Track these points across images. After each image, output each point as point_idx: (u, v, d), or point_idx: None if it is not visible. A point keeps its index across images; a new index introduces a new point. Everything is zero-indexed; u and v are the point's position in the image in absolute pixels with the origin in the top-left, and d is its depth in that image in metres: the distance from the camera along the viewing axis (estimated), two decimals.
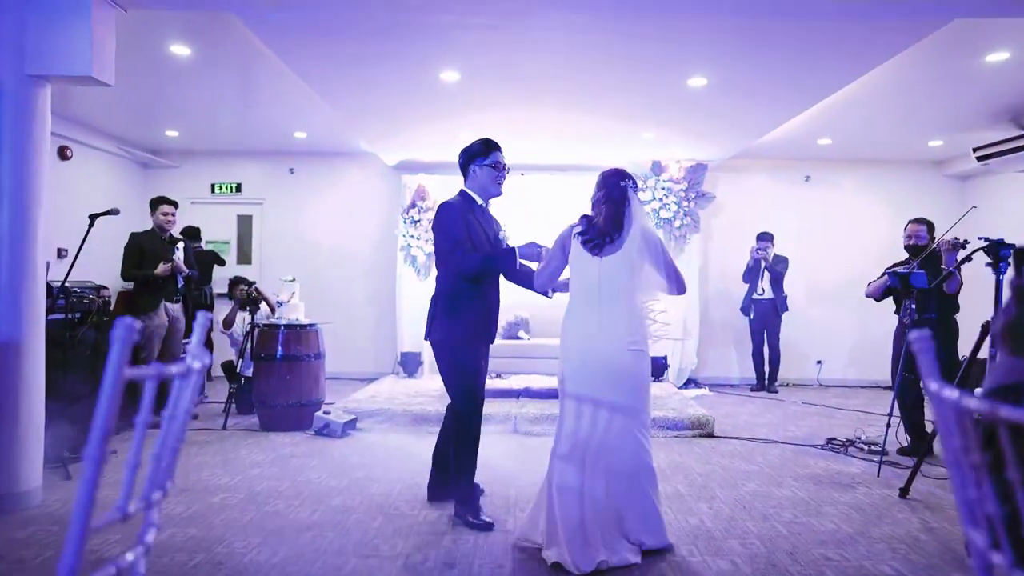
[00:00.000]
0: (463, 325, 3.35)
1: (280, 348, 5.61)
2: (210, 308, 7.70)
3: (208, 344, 7.63)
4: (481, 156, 3.43)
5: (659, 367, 7.80)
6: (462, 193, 3.47)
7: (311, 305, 8.42)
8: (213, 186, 8.81)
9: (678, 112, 5.86)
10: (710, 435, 5.52)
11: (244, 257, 8.93)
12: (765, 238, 7.93)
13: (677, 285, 3.08)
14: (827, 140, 7.51)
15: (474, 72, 5.02)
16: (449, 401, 3.65)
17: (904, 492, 3.91)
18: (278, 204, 8.83)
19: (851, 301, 8.46)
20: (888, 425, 4.54)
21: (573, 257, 3.05)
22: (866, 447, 5.00)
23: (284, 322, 5.72)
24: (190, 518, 3.47)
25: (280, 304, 5.77)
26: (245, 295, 6.16)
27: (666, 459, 4.78)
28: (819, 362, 8.54)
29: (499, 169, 3.43)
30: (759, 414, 6.55)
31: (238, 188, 8.82)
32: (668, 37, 4.34)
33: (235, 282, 6.44)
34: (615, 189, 3.07)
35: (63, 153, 7.22)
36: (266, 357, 5.63)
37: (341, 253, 8.73)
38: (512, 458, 4.70)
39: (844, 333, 8.53)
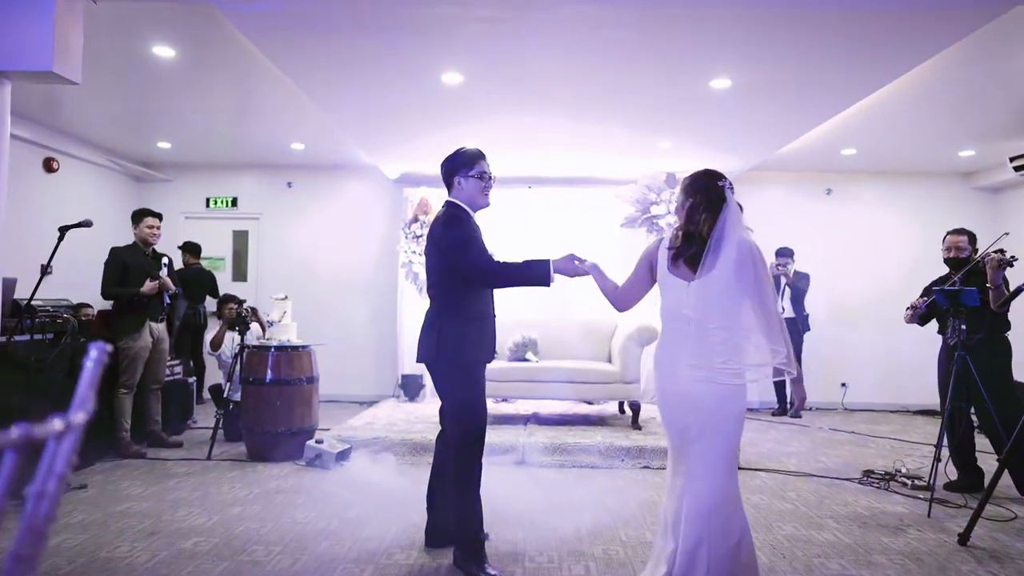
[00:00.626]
0: (468, 341, 3.01)
1: (270, 371, 5.21)
2: (204, 328, 7.35)
3: (198, 365, 7.32)
4: (465, 167, 3.11)
5: None
6: (454, 205, 3.12)
7: (308, 324, 8.04)
8: (208, 200, 8.48)
9: (698, 118, 5.48)
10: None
11: (240, 274, 8.57)
12: (784, 253, 7.51)
13: (767, 329, 2.42)
14: (852, 150, 7.12)
15: (478, 74, 4.66)
16: (440, 430, 3.27)
17: (963, 539, 3.45)
18: (275, 219, 8.48)
19: (877, 320, 8.03)
20: (937, 459, 4.09)
21: (662, 277, 2.58)
22: (909, 481, 4.54)
23: (275, 343, 5.32)
24: (153, 569, 3.05)
25: (271, 324, 5.37)
26: (234, 314, 5.77)
27: None
28: (844, 385, 8.07)
29: (485, 180, 3.12)
30: (785, 442, 6.09)
31: (234, 202, 8.48)
32: (690, 32, 3.97)
33: (224, 300, 6.06)
34: (713, 191, 2.52)
35: (49, 165, 6.90)
36: (255, 381, 5.22)
37: (340, 270, 8.36)
38: (519, 495, 4.27)
39: (870, 354, 8.07)
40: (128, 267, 5.27)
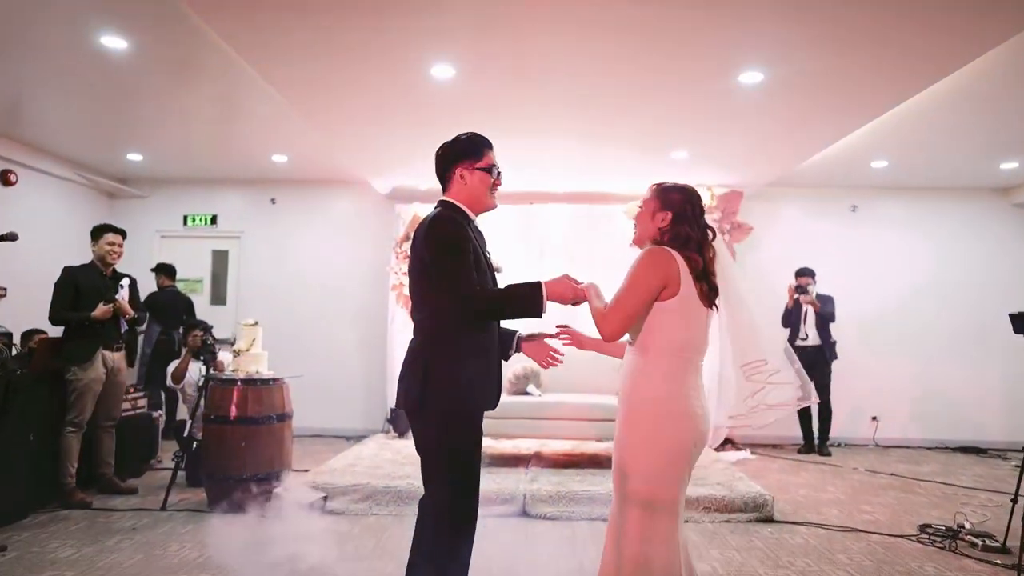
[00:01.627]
0: (465, 384, 2.33)
1: (234, 407, 4.55)
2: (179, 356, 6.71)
3: (170, 398, 6.65)
4: (470, 157, 2.44)
5: None
6: (449, 206, 2.45)
7: (292, 352, 7.37)
8: (186, 218, 7.88)
9: (721, 121, 4.87)
10: (769, 519, 4.40)
11: (218, 297, 7.94)
12: (805, 274, 6.88)
13: None
14: (882, 162, 6.53)
15: (472, 66, 4.07)
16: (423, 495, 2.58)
17: None
18: (258, 238, 7.88)
19: (909, 349, 7.39)
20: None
21: (686, 301, 2.20)
22: (979, 540, 3.86)
23: (242, 376, 4.68)
24: None
25: (237, 353, 4.73)
26: (199, 342, 5.13)
27: (720, 558, 3.66)
28: (875, 418, 7.38)
29: (494, 174, 2.47)
30: (819, 486, 5.40)
31: (213, 220, 7.89)
32: (719, 14, 3.38)
33: (189, 327, 5.42)
34: (699, 205, 2.33)
35: (6, 178, 6.31)
36: (217, 419, 4.57)
37: (327, 293, 7.73)
38: (521, 553, 3.60)
39: (903, 384, 7.40)
40: (81, 288, 4.65)
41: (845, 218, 7.74)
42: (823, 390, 6.76)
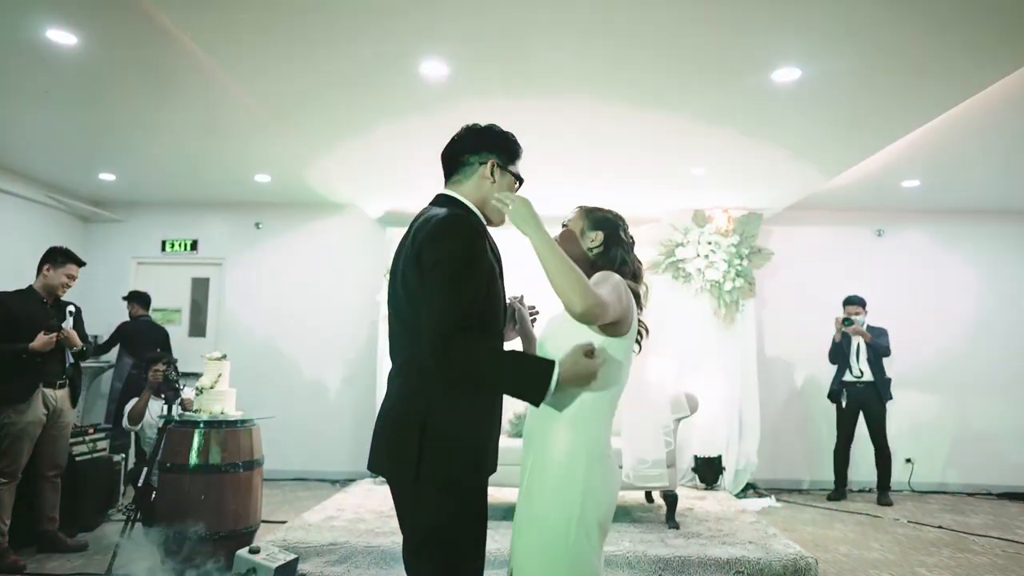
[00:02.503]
0: (473, 444, 1.81)
1: (195, 455, 3.97)
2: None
3: (141, 438, 6.03)
4: (503, 154, 1.96)
5: (713, 471, 6.06)
6: (463, 207, 1.91)
7: (274, 387, 6.86)
8: (164, 243, 7.37)
9: (748, 128, 4.34)
10: None
11: (197, 328, 7.39)
12: (855, 302, 6.31)
13: None
14: (914, 181, 6.02)
15: (467, 63, 3.58)
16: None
17: None
18: (241, 265, 7.35)
19: (943, 385, 6.81)
20: None
21: (633, 327, 1.95)
22: None
23: (205, 417, 4.10)
24: None
25: (200, 391, 4.15)
26: (160, 377, 4.57)
27: None
28: (909, 461, 6.75)
29: (518, 188, 2.01)
30: (860, 542, 4.77)
31: (193, 246, 7.37)
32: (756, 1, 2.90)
33: (151, 361, 4.85)
34: (629, 233, 2.16)
35: None
36: (174, 467, 3.98)
37: (314, 324, 7.18)
38: None
39: (938, 425, 6.79)
40: (16, 317, 4.10)
41: (870, 244, 7.20)
42: (878, 434, 6.15)
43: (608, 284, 1.86)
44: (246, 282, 7.31)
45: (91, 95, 4.43)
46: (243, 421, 4.19)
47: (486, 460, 1.84)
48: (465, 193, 1.93)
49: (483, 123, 2.00)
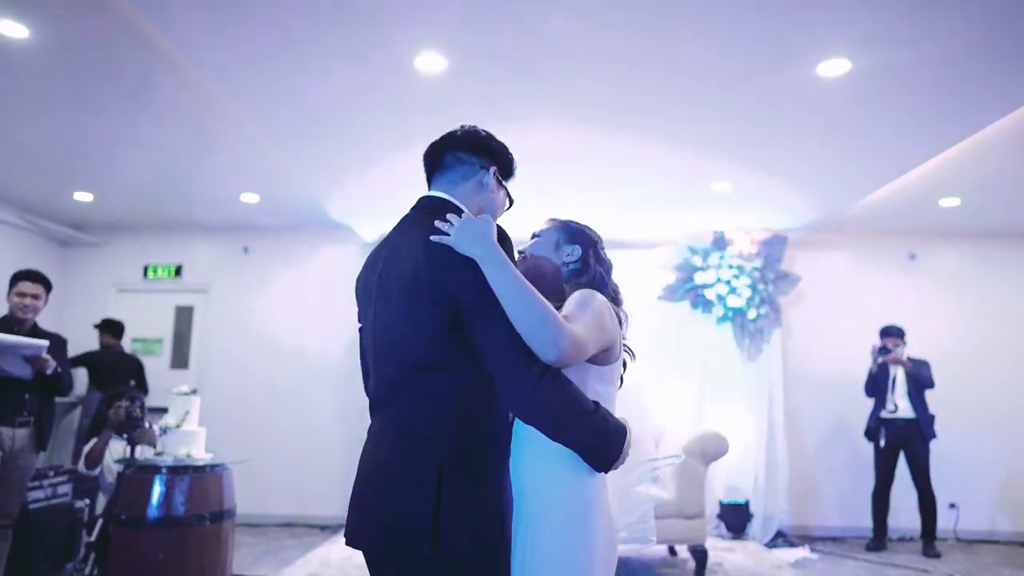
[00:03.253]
0: (499, 507, 1.52)
1: (156, 506, 3.44)
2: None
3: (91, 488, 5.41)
4: (504, 168, 1.74)
5: (740, 518, 5.49)
6: (458, 211, 1.63)
7: (261, 424, 6.37)
8: (147, 269, 6.91)
9: (788, 131, 3.87)
10: None
11: (180, 360, 6.89)
12: (892, 333, 5.78)
13: None
14: (954, 199, 5.54)
15: (468, 56, 3.15)
16: None
17: None
18: (227, 292, 6.88)
19: (988, 423, 6.26)
20: None
21: (617, 355, 1.70)
22: None
23: (168, 461, 3.58)
24: None
25: (164, 431, 3.64)
26: (123, 415, 4.06)
27: None
28: (953, 506, 6.16)
29: (508, 206, 1.81)
30: None
31: (177, 271, 6.91)
32: None
33: (112, 396, 4.34)
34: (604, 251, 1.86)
35: None
36: (130, 520, 3.45)
37: (305, 357, 6.67)
38: None
39: (985, 466, 6.21)
40: None
41: (901, 268, 6.71)
42: (921, 477, 5.57)
43: (590, 310, 1.58)
44: (233, 311, 6.83)
45: (53, 100, 4.01)
46: (213, 466, 3.67)
47: (505, 527, 1.50)
48: (460, 198, 1.65)
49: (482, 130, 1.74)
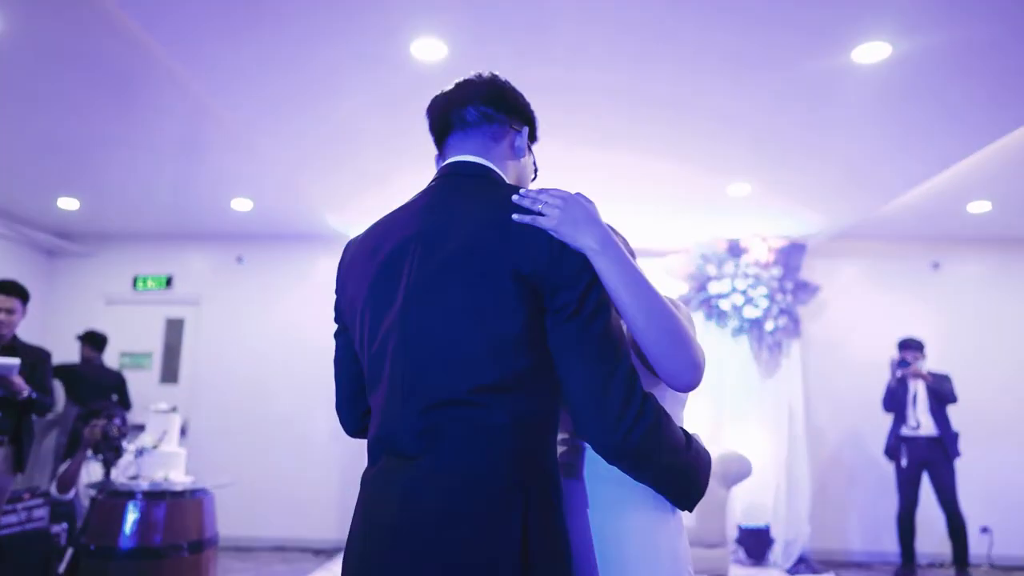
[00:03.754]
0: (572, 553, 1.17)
1: (128, 535, 3.15)
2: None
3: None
4: (534, 126, 1.40)
5: (761, 544, 5.16)
6: (503, 186, 1.28)
7: (254, 442, 6.09)
8: (136, 279, 6.64)
9: (817, 125, 3.59)
10: None
11: (170, 374, 6.60)
12: (911, 347, 5.46)
13: None
14: (984, 204, 5.25)
15: (469, 42, 2.88)
16: None
17: None
18: (220, 304, 6.60)
19: (1022, 440, 5.92)
20: None
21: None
22: None
23: (144, 486, 3.29)
24: None
25: (140, 453, 3.35)
26: (99, 435, 3.76)
27: None
28: (985, 530, 5.81)
29: (534, 178, 1.44)
30: None
31: (168, 282, 6.64)
32: None
33: (88, 414, 4.05)
34: None
35: None
36: (100, 551, 3.15)
37: (301, 371, 6.38)
38: None
39: (1018, 486, 5.88)
40: None
41: (923, 278, 6.40)
42: (949, 500, 5.21)
43: (689, 319, 1.28)
44: (226, 323, 6.55)
45: (31, 99, 3.75)
46: (193, 490, 3.37)
47: None
48: (499, 165, 1.29)
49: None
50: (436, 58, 2.95)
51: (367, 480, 1.24)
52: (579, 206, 1.16)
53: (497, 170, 1.28)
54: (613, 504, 1.21)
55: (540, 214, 1.14)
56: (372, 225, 1.37)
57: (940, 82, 3.05)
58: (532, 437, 1.11)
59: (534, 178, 1.43)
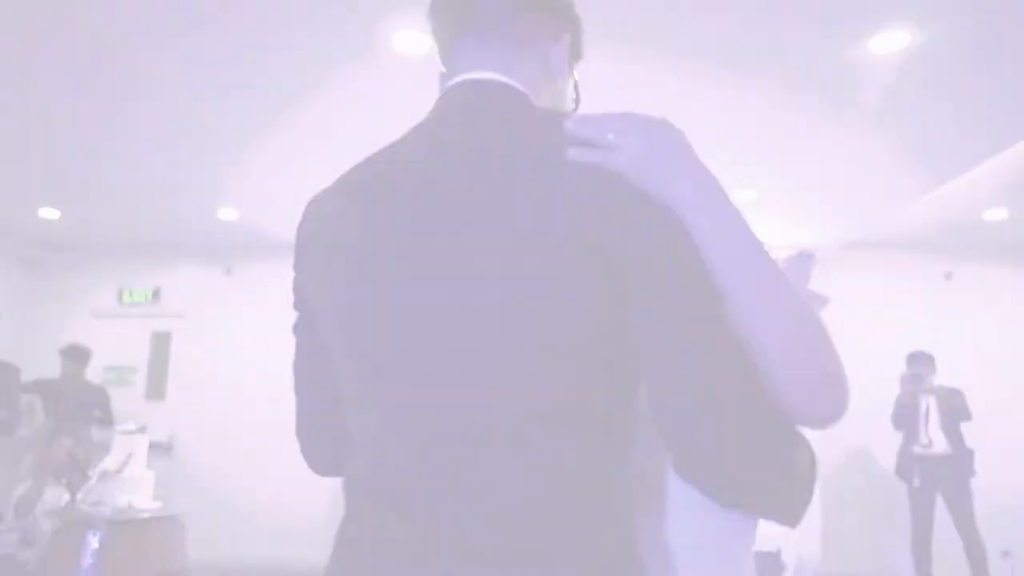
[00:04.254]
0: None
1: (87, 568, 2.92)
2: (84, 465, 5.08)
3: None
4: (578, 35, 0.93)
5: (774, 570, 4.89)
6: (539, 117, 0.80)
7: (243, 461, 5.88)
8: (121, 292, 6.46)
9: (829, 123, 3.37)
10: None
11: (156, 391, 6.40)
12: (922, 361, 5.22)
13: None
14: (1001, 211, 5.05)
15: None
16: None
17: None
18: (208, 317, 6.41)
19: None
20: None
21: None
22: None
23: (107, 513, 3.06)
24: None
25: (101, 477, 3.13)
26: (65, 457, 3.53)
27: None
28: (1006, 554, 5.54)
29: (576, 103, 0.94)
30: None
31: (154, 295, 6.45)
32: None
33: (53, 434, 3.81)
34: None
35: None
36: None
37: (292, 387, 6.16)
38: None
39: None
40: None
41: (936, 288, 6.18)
42: (966, 523, 4.94)
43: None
44: (213, 337, 6.35)
45: (5, 103, 3.57)
46: (160, 518, 3.14)
47: None
48: (527, 86, 0.85)
49: None
50: (420, 52, 2.75)
51: (353, 542, 0.80)
52: (670, 134, 0.77)
53: (527, 92, 0.85)
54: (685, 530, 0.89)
55: (610, 148, 0.73)
56: (349, 172, 0.90)
57: (959, 77, 2.84)
58: (605, 491, 0.73)
59: (574, 109, 0.97)
